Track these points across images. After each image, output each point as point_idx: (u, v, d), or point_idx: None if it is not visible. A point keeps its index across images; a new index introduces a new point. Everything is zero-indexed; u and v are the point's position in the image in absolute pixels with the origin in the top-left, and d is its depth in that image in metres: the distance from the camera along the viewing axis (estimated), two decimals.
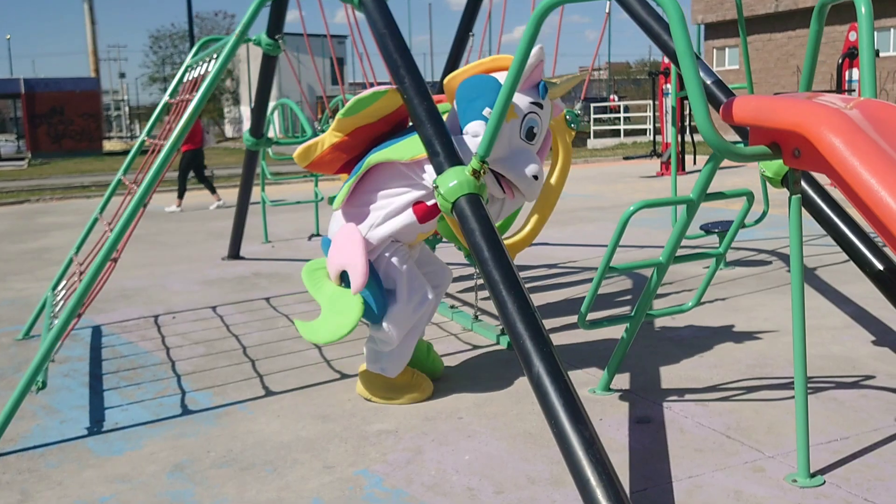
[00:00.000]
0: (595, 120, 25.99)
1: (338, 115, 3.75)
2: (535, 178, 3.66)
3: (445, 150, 3.24)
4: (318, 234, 9.40)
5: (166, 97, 5.53)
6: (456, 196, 3.08)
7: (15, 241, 10.28)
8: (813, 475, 2.90)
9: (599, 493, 2.34)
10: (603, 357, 4.20)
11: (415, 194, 3.64)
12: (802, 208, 3.75)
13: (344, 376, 4.31)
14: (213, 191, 13.26)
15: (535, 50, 3.50)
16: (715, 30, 26.51)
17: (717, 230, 6.53)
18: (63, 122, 34.64)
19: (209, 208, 12.92)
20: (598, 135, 25.24)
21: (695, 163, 13.52)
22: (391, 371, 3.85)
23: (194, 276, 7.26)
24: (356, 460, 3.26)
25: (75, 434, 3.69)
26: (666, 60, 15.32)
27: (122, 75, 69.64)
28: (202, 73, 4.71)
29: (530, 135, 3.68)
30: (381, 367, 3.85)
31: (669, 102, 15.09)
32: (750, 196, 3.48)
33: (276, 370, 4.46)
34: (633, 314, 3.61)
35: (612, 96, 29.75)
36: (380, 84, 4.11)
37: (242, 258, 8.16)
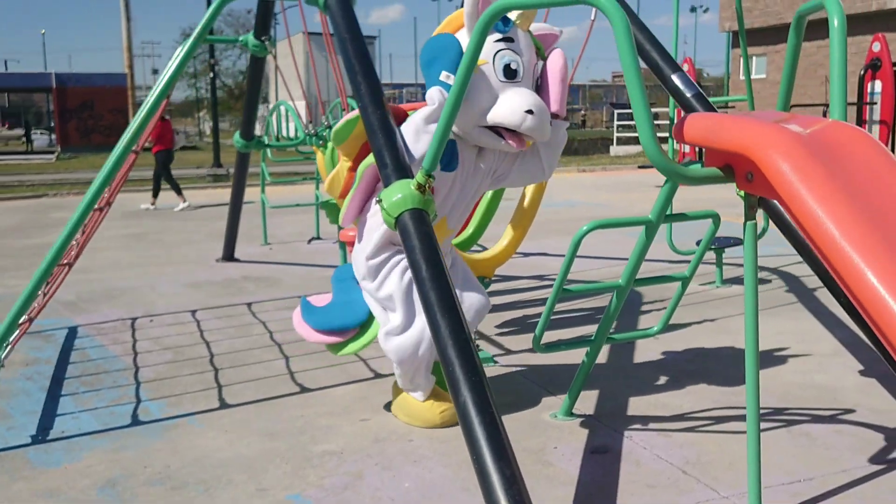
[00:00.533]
0: (619, 126, 25.70)
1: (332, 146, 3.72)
2: (530, 112, 3.32)
3: (394, 163, 3.09)
4: (318, 238, 9.29)
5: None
6: (399, 211, 2.93)
7: (21, 237, 10.30)
8: None
9: None
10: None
11: None
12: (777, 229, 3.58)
13: (304, 390, 4.18)
14: (155, 195, 13.23)
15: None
16: None
17: (714, 246, 6.33)
18: (93, 117, 35.03)
19: (140, 207, 12.93)
20: (622, 141, 24.95)
21: None
22: (411, 388, 3.70)
23: (183, 278, 7.18)
24: (292, 483, 3.12)
25: (19, 442, 3.59)
26: (686, 68, 15.07)
27: (155, 71, 69.96)
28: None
29: (509, 73, 3.40)
30: (402, 384, 3.72)
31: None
32: (716, 218, 3.29)
33: (238, 380, 4.34)
34: (593, 338, 3.44)
35: None
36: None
37: (237, 260, 8.08)
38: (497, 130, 3.42)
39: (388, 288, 3.55)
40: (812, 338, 4.88)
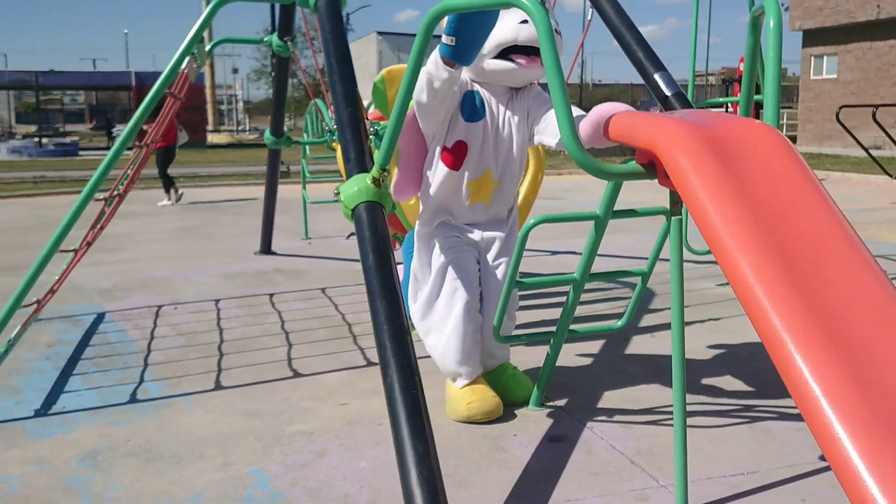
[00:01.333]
0: None
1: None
2: (524, 21, 3.32)
3: (356, 158, 3.25)
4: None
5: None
6: (355, 203, 3.09)
7: (77, 228, 10.77)
8: None
9: None
10: (569, 375, 4.11)
11: (436, 147, 3.63)
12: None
13: (297, 375, 4.37)
14: (167, 190, 13.72)
15: None
16: (813, 36, 25.34)
17: None
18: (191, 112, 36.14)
19: (157, 205, 13.38)
20: None
21: None
22: (446, 375, 3.74)
23: (218, 269, 7.48)
24: (257, 459, 3.31)
25: (22, 415, 3.87)
26: (741, 67, 14.83)
27: (235, 70, 71.92)
28: (185, 69, 4.88)
29: None
30: (442, 371, 3.75)
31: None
32: (667, 214, 3.34)
33: (238, 365, 4.56)
34: (555, 331, 3.54)
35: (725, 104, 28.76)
36: None
37: (274, 253, 8.34)
38: (507, 57, 3.40)
39: (424, 267, 3.72)
40: None
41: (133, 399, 4.06)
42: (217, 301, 6.17)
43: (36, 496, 3.03)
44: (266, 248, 8.32)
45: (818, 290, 1.98)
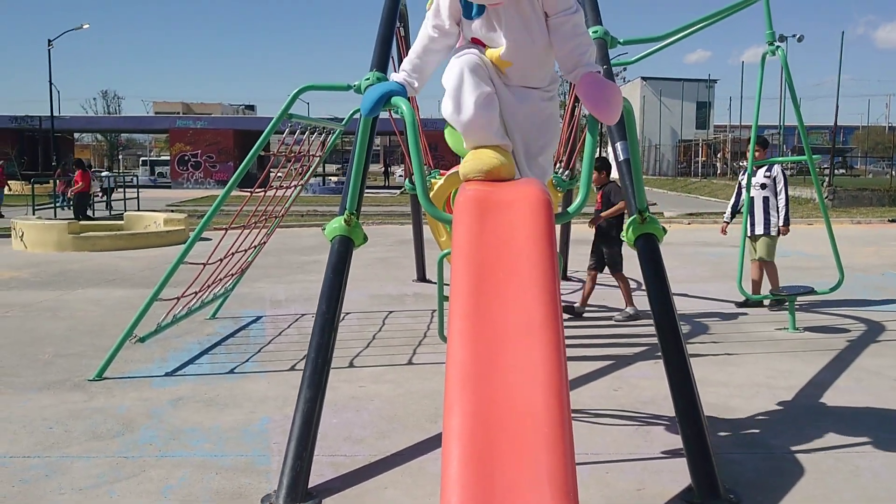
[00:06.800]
0: None
1: None
2: None
3: (342, 206, 4.59)
4: None
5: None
6: (333, 235, 4.47)
7: (307, 253, 13.04)
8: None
9: (296, 431, 3.69)
10: None
11: None
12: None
13: (350, 366, 5.80)
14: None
15: None
16: None
17: (786, 293, 6.88)
18: (435, 157, 39.15)
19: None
20: None
21: None
22: None
23: (372, 291, 9.12)
24: (272, 411, 4.78)
25: (157, 374, 5.65)
26: None
27: None
28: (314, 139, 6.54)
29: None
30: None
31: None
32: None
33: None
34: None
35: None
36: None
37: (428, 281, 9.86)
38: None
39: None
40: (781, 376, 5.48)
41: (230, 371, 5.72)
42: (347, 313, 7.77)
43: (129, 416, 4.72)
44: (421, 276, 9.87)
45: (490, 295, 3.13)
